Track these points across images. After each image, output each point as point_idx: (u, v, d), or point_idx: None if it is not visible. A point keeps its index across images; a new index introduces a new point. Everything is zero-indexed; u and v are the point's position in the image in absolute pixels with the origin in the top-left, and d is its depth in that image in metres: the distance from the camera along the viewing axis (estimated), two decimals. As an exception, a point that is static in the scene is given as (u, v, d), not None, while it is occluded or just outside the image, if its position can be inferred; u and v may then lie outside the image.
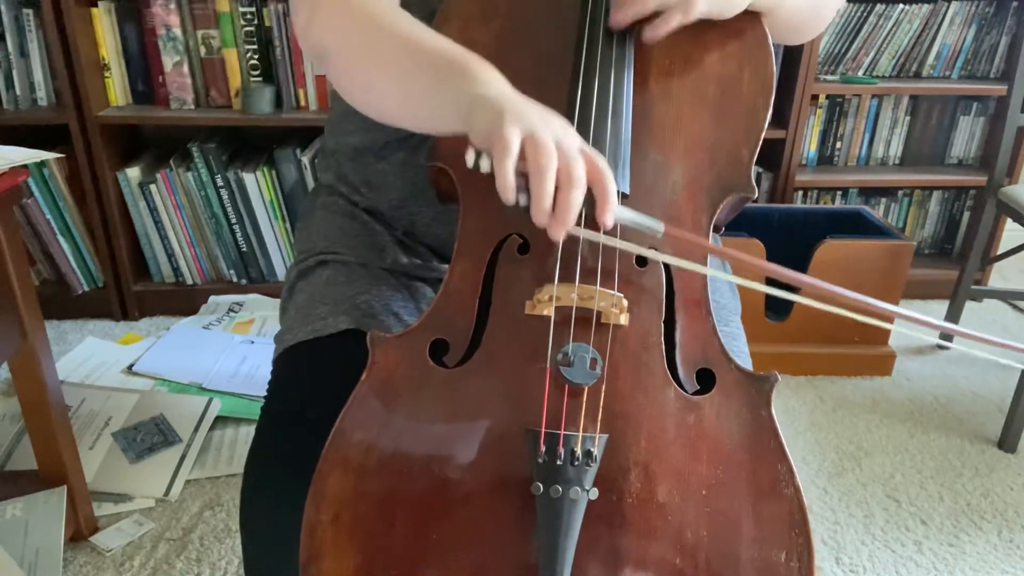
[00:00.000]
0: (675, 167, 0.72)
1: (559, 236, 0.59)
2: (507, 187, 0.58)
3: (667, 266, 0.70)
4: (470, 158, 0.61)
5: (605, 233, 0.65)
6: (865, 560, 1.45)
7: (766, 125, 0.73)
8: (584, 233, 0.64)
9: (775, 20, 0.76)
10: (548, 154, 0.58)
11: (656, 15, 0.71)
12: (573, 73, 0.71)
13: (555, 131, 0.60)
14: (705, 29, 0.73)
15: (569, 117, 0.70)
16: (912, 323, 0.65)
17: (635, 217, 0.64)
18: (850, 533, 1.52)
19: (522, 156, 0.59)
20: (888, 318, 0.66)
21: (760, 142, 0.72)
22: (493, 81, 0.64)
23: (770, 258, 1.61)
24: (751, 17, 0.74)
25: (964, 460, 1.73)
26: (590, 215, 0.62)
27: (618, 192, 0.68)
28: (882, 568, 1.44)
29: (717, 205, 0.72)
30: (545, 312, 0.67)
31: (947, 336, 2.09)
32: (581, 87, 0.70)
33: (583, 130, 0.69)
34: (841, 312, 0.65)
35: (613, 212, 0.61)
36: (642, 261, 0.70)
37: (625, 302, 0.67)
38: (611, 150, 0.69)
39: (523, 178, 0.59)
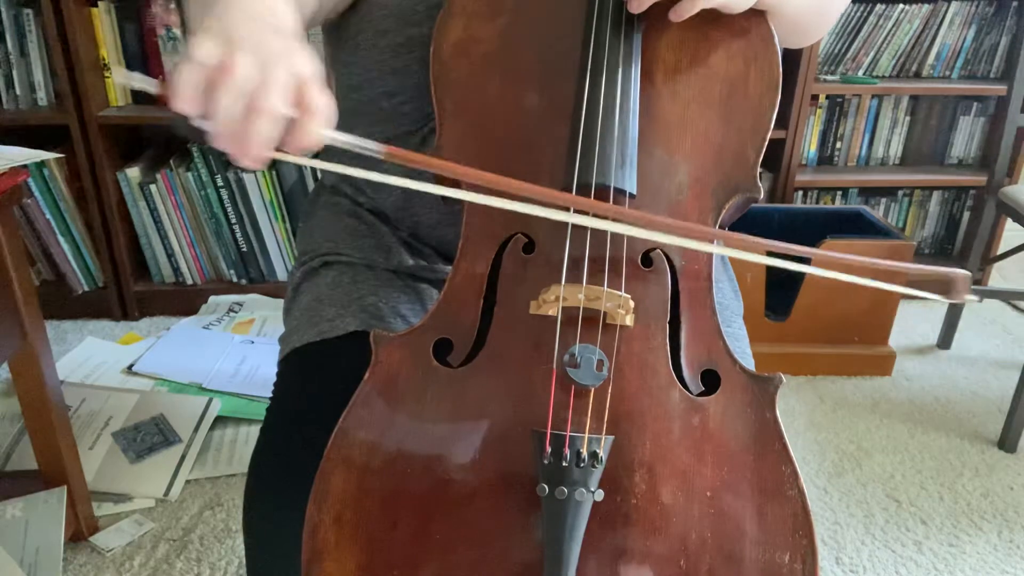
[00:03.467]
0: (681, 166, 0.72)
1: (248, 164, 0.55)
2: (176, 94, 0.53)
3: (672, 266, 0.70)
4: (118, 76, 0.55)
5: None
6: (865, 560, 1.45)
7: (772, 124, 0.73)
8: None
9: (780, 20, 0.76)
10: (234, 74, 0.52)
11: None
12: (579, 71, 0.71)
13: (263, 53, 0.55)
14: (712, 28, 0.73)
15: (576, 115, 0.70)
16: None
17: (349, 140, 0.58)
18: (850, 533, 1.52)
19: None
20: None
21: (766, 142, 0.72)
22: (237, 6, 0.59)
23: (769, 263, 1.60)
24: (758, 17, 0.73)
25: (964, 460, 1.73)
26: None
27: (625, 192, 0.68)
28: (882, 568, 1.44)
29: (723, 205, 0.71)
30: (551, 312, 0.66)
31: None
32: (588, 85, 0.70)
33: (590, 128, 0.69)
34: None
35: (300, 147, 0.56)
36: (648, 261, 0.70)
37: (631, 303, 0.67)
38: (618, 149, 0.69)
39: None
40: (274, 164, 2.05)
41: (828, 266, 0.65)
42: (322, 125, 0.56)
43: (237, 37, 0.55)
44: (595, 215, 0.64)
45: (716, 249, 0.68)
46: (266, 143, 0.54)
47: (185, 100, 0.53)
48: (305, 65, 0.57)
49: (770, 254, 0.64)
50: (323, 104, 0.56)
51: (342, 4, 0.85)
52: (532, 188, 0.61)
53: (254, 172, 2.04)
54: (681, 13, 0.70)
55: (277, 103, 0.54)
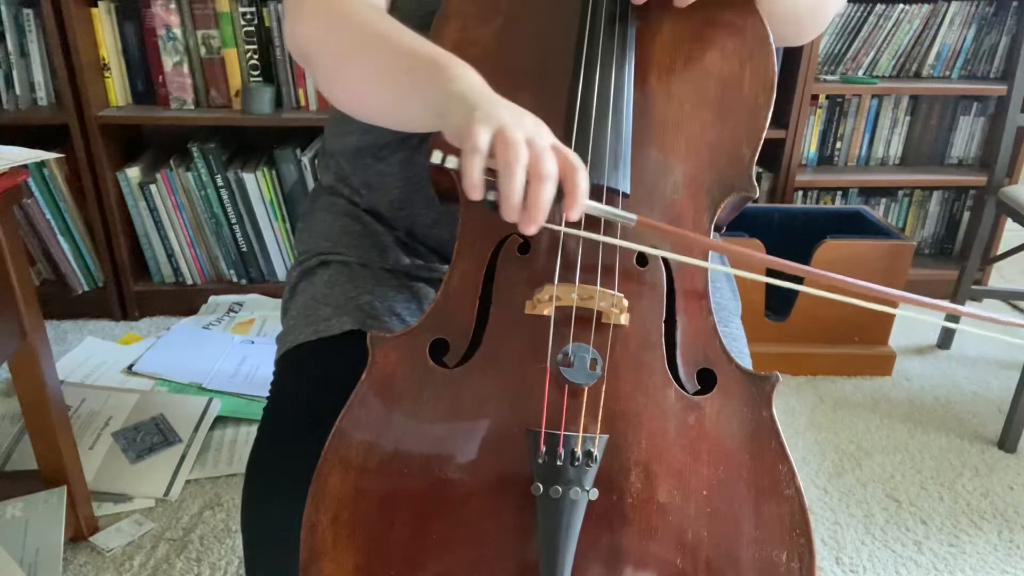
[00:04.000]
0: (676, 166, 0.72)
1: (530, 231, 0.60)
2: (473, 184, 0.59)
3: (668, 265, 0.70)
4: (436, 156, 0.61)
5: (587, 228, 0.66)
6: (865, 560, 1.45)
7: (767, 124, 0.73)
8: (568, 230, 0.64)
9: (775, 13, 0.75)
10: (517, 150, 0.58)
11: None
12: (574, 72, 0.71)
13: (527, 127, 0.60)
14: (706, 27, 0.73)
15: (569, 116, 0.70)
16: (916, 305, 0.65)
17: (606, 209, 0.64)
18: (850, 533, 1.52)
19: (492, 154, 0.59)
20: (892, 303, 0.66)
21: (762, 141, 0.72)
22: (467, 78, 0.65)
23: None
24: (753, 16, 0.73)
25: (964, 460, 1.73)
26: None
27: (619, 191, 0.69)
28: (882, 568, 1.44)
29: (718, 204, 0.72)
30: (545, 312, 0.67)
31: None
32: (582, 86, 0.70)
33: (583, 129, 0.69)
34: (845, 300, 0.65)
35: (580, 208, 0.60)
36: (643, 260, 0.70)
37: (625, 302, 0.67)
38: (611, 149, 0.69)
39: (493, 175, 0.59)
40: (273, 164, 2.06)
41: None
42: (585, 176, 0.61)
43: (504, 120, 0.60)
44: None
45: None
46: (549, 205, 0.59)
47: (476, 188, 0.59)
48: (550, 132, 0.63)
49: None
50: (579, 162, 0.61)
51: None
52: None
53: (254, 172, 2.05)
54: (684, 1, 0.70)
55: (554, 167, 0.59)
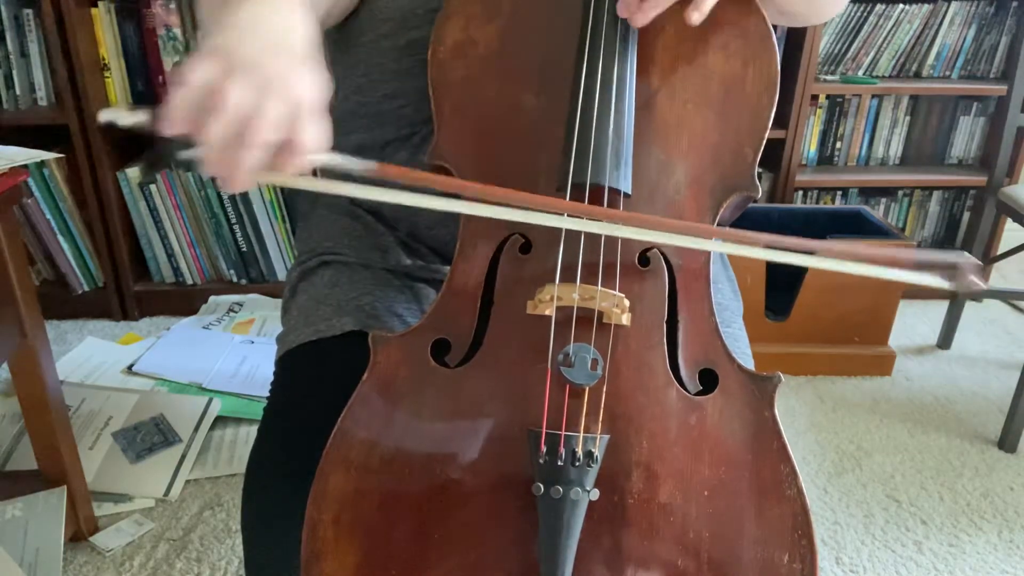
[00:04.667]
0: (678, 166, 0.72)
1: (225, 190, 0.55)
2: (168, 116, 0.51)
3: (669, 265, 0.70)
4: (104, 114, 0.55)
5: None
6: (865, 560, 1.45)
7: (770, 124, 0.73)
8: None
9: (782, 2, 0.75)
10: (225, 103, 0.51)
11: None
12: (575, 71, 0.71)
13: (263, 76, 0.53)
14: (709, 27, 0.73)
15: (571, 115, 0.70)
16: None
17: (338, 160, 0.58)
18: (850, 533, 1.52)
19: None
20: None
21: (764, 141, 0.72)
22: (254, 7, 0.57)
23: (770, 258, 1.60)
24: (756, 15, 0.73)
25: (964, 460, 1.73)
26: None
27: (620, 192, 0.68)
28: (882, 568, 1.44)
29: (720, 204, 0.71)
30: (546, 312, 0.67)
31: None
32: (583, 86, 0.70)
33: (585, 128, 0.69)
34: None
35: (285, 175, 0.55)
36: (644, 261, 0.70)
37: (627, 302, 0.67)
38: (613, 148, 0.69)
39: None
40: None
41: (832, 256, 0.64)
42: (307, 158, 0.55)
43: (237, 59, 0.53)
44: (589, 219, 0.64)
45: (715, 246, 0.68)
46: (254, 172, 0.53)
47: (176, 123, 0.52)
48: (304, 91, 0.55)
49: (770, 250, 0.64)
50: (314, 137, 0.55)
51: (345, 9, 0.85)
52: (526, 196, 0.61)
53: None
54: (702, 10, 0.68)
55: (268, 135, 0.52)
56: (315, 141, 0.55)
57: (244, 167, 0.52)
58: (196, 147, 0.53)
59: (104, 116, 0.55)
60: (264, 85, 0.53)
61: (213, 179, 0.54)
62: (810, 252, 0.65)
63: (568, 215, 0.64)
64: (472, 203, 0.63)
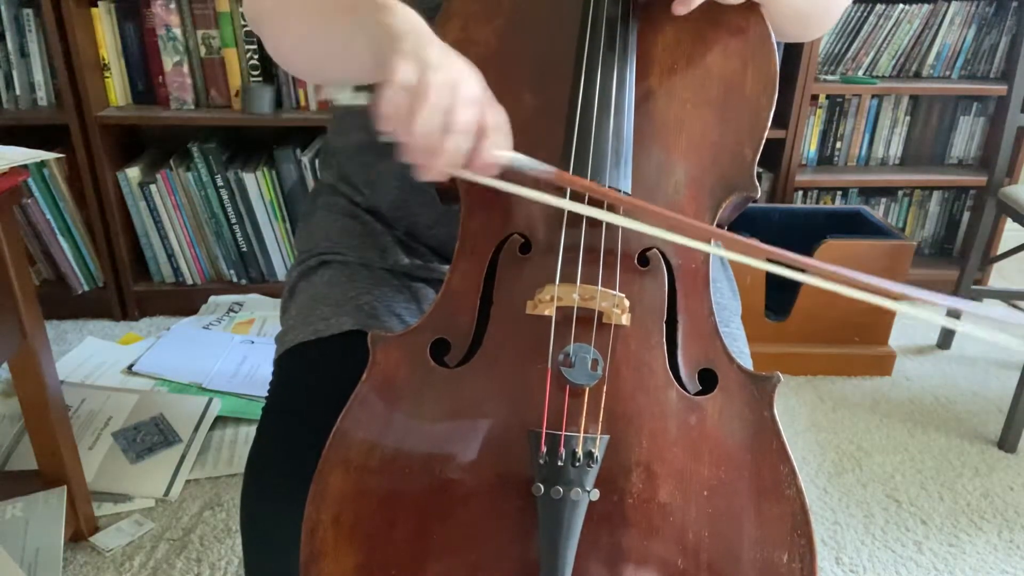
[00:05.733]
0: (678, 166, 0.72)
1: (421, 177, 0.59)
2: (382, 116, 0.58)
3: (669, 266, 0.70)
4: (329, 91, 0.60)
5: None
6: (865, 560, 1.45)
7: (769, 123, 0.73)
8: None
9: (778, 13, 0.75)
10: (426, 91, 0.57)
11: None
12: (575, 71, 0.71)
13: (452, 73, 0.59)
14: (708, 27, 0.73)
15: (571, 115, 0.70)
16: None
17: (527, 162, 0.63)
18: (850, 533, 1.52)
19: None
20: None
21: (763, 141, 0.72)
22: (404, 13, 0.63)
23: (769, 258, 1.60)
24: (755, 15, 0.73)
25: (964, 460, 1.73)
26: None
27: (619, 191, 0.68)
28: (882, 568, 1.44)
29: (720, 204, 0.71)
30: (546, 312, 0.67)
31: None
32: (583, 85, 0.70)
33: (584, 128, 0.69)
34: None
35: (486, 160, 0.60)
36: (644, 261, 0.70)
37: (627, 302, 0.67)
38: (613, 148, 0.69)
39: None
40: (273, 164, 2.06)
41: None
42: (502, 140, 0.61)
43: (430, 59, 0.59)
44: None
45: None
46: (457, 158, 0.59)
47: (390, 120, 0.58)
48: (480, 83, 0.61)
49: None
50: (502, 120, 0.61)
51: None
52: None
53: (254, 172, 2.05)
54: (688, 3, 0.69)
55: (469, 120, 0.58)
56: (503, 124, 0.61)
57: (449, 153, 0.58)
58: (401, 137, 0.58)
59: (328, 93, 0.60)
60: (456, 77, 0.59)
61: (411, 166, 0.60)
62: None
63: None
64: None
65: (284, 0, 0.77)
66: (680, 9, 0.70)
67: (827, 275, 0.64)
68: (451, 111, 0.57)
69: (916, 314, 0.65)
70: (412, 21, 0.63)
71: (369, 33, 0.65)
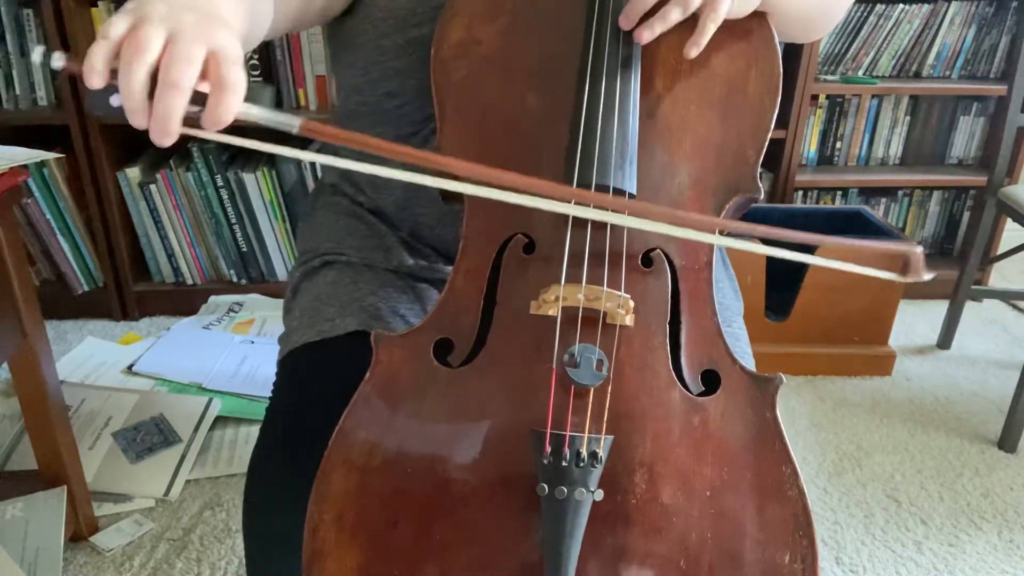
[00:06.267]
0: (682, 167, 0.72)
1: (158, 142, 0.55)
2: (88, 68, 0.53)
3: (672, 266, 0.70)
4: (36, 54, 0.55)
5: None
6: (865, 560, 1.45)
7: (772, 125, 0.73)
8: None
9: (782, 19, 0.75)
10: (140, 46, 0.52)
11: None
12: (580, 72, 0.71)
13: (175, 24, 0.53)
14: None
15: (576, 115, 0.70)
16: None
17: (267, 115, 0.58)
18: (850, 533, 1.52)
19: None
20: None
21: (767, 142, 0.72)
22: None
23: (769, 258, 1.60)
24: (758, 18, 0.73)
25: (964, 460, 1.73)
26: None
27: (625, 192, 0.68)
28: (882, 568, 1.44)
29: (723, 206, 0.72)
30: (551, 312, 0.67)
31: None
32: (588, 86, 0.70)
33: (590, 128, 0.69)
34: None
35: (214, 122, 0.55)
36: (648, 261, 0.70)
37: (631, 303, 0.67)
38: (618, 149, 0.69)
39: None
40: (273, 164, 2.05)
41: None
42: (235, 100, 0.55)
43: (149, 13, 0.54)
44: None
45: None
46: (177, 117, 0.53)
47: (94, 74, 0.53)
48: (221, 40, 0.55)
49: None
50: (237, 79, 0.55)
51: (338, 4, 0.85)
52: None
53: (254, 172, 2.04)
54: (698, 45, 0.70)
55: (186, 75, 0.52)
56: (239, 82, 0.55)
57: (172, 111, 0.52)
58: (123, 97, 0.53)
59: (34, 57, 0.55)
60: (179, 31, 0.53)
61: (147, 132, 0.55)
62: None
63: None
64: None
65: None
66: (693, 52, 0.70)
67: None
68: (165, 66, 0.52)
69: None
70: None
71: None
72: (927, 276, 0.63)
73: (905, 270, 0.63)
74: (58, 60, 0.54)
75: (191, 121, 0.55)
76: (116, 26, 0.53)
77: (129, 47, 0.52)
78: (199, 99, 0.54)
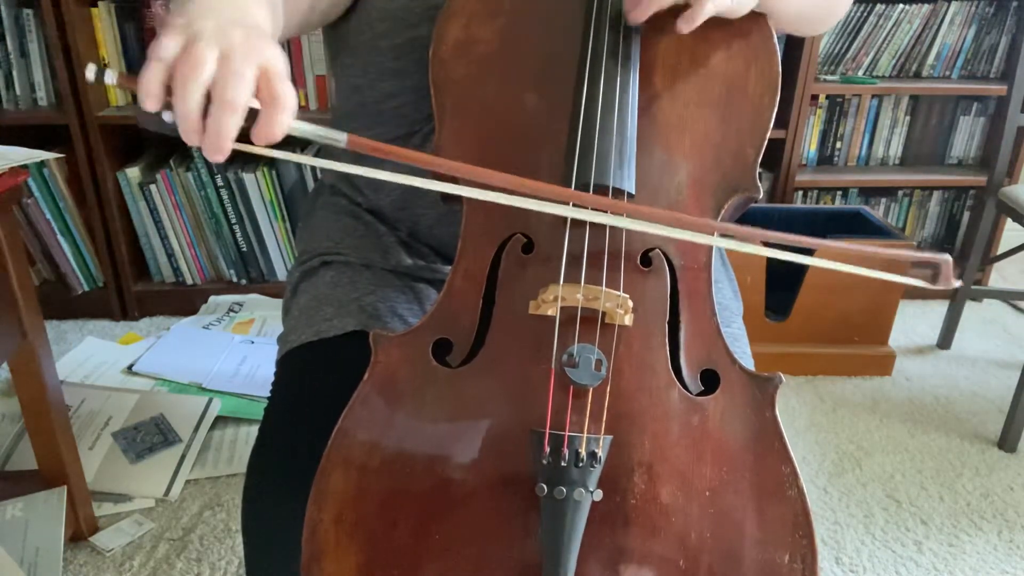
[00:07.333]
0: (681, 167, 0.72)
1: (212, 159, 0.55)
2: (144, 93, 0.53)
3: (672, 266, 0.70)
4: (90, 71, 0.55)
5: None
6: (865, 560, 1.45)
7: (771, 124, 0.73)
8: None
9: (782, 19, 0.75)
10: (195, 65, 0.52)
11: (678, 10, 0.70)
12: (578, 71, 0.71)
13: (227, 41, 0.54)
14: (711, 28, 0.73)
15: (575, 115, 0.70)
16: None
17: (314, 130, 0.59)
18: (850, 533, 1.52)
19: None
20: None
21: (766, 142, 0.72)
22: None
23: (770, 259, 1.60)
24: (758, 17, 0.73)
25: (964, 460, 1.73)
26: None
27: (624, 192, 0.68)
28: (882, 568, 1.44)
29: (722, 205, 0.71)
30: (549, 312, 0.66)
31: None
32: (587, 85, 0.70)
33: (588, 128, 0.69)
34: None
35: (266, 138, 0.55)
36: (647, 261, 0.70)
37: (630, 303, 0.67)
38: (616, 149, 0.69)
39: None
40: (273, 164, 2.05)
41: (828, 256, 0.65)
42: (288, 116, 0.55)
43: (199, 30, 0.54)
44: (593, 208, 0.64)
45: (716, 241, 0.68)
46: (232, 136, 0.53)
47: (151, 98, 0.53)
48: (271, 57, 0.56)
49: (767, 245, 0.64)
50: (288, 95, 0.55)
51: (338, 7, 0.85)
52: (526, 182, 0.61)
53: (254, 172, 2.05)
54: (692, 21, 0.69)
55: (241, 94, 0.53)
56: (291, 98, 0.55)
57: (227, 130, 0.53)
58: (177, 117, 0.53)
59: (89, 74, 0.55)
60: (231, 48, 0.53)
61: (199, 149, 0.55)
62: (807, 251, 0.65)
63: (573, 204, 0.64)
64: (472, 188, 0.62)
65: None
66: (684, 28, 0.69)
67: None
68: (220, 85, 0.52)
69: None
70: (215, 3, 0.58)
71: None
72: (956, 283, 0.65)
73: (935, 278, 0.64)
74: (111, 77, 0.55)
75: (241, 136, 0.55)
76: (168, 46, 0.53)
77: (183, 68, 0.52)
78: (250, 115, 0.55)
